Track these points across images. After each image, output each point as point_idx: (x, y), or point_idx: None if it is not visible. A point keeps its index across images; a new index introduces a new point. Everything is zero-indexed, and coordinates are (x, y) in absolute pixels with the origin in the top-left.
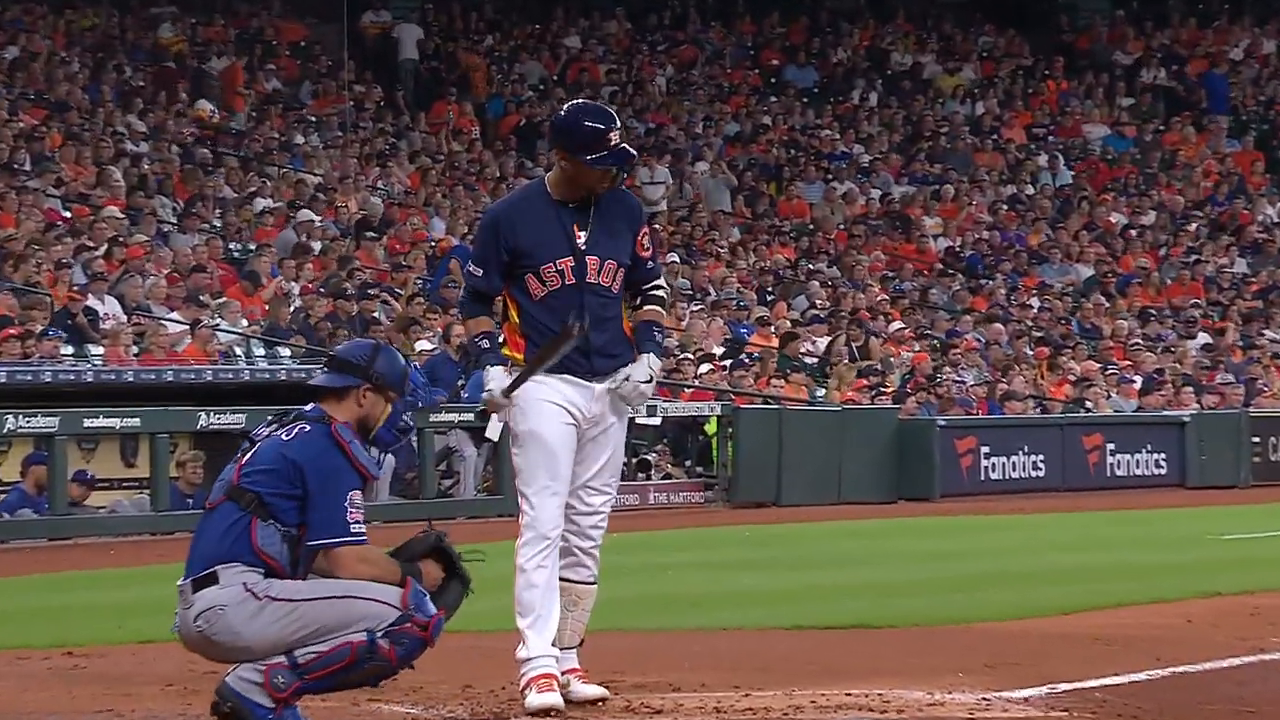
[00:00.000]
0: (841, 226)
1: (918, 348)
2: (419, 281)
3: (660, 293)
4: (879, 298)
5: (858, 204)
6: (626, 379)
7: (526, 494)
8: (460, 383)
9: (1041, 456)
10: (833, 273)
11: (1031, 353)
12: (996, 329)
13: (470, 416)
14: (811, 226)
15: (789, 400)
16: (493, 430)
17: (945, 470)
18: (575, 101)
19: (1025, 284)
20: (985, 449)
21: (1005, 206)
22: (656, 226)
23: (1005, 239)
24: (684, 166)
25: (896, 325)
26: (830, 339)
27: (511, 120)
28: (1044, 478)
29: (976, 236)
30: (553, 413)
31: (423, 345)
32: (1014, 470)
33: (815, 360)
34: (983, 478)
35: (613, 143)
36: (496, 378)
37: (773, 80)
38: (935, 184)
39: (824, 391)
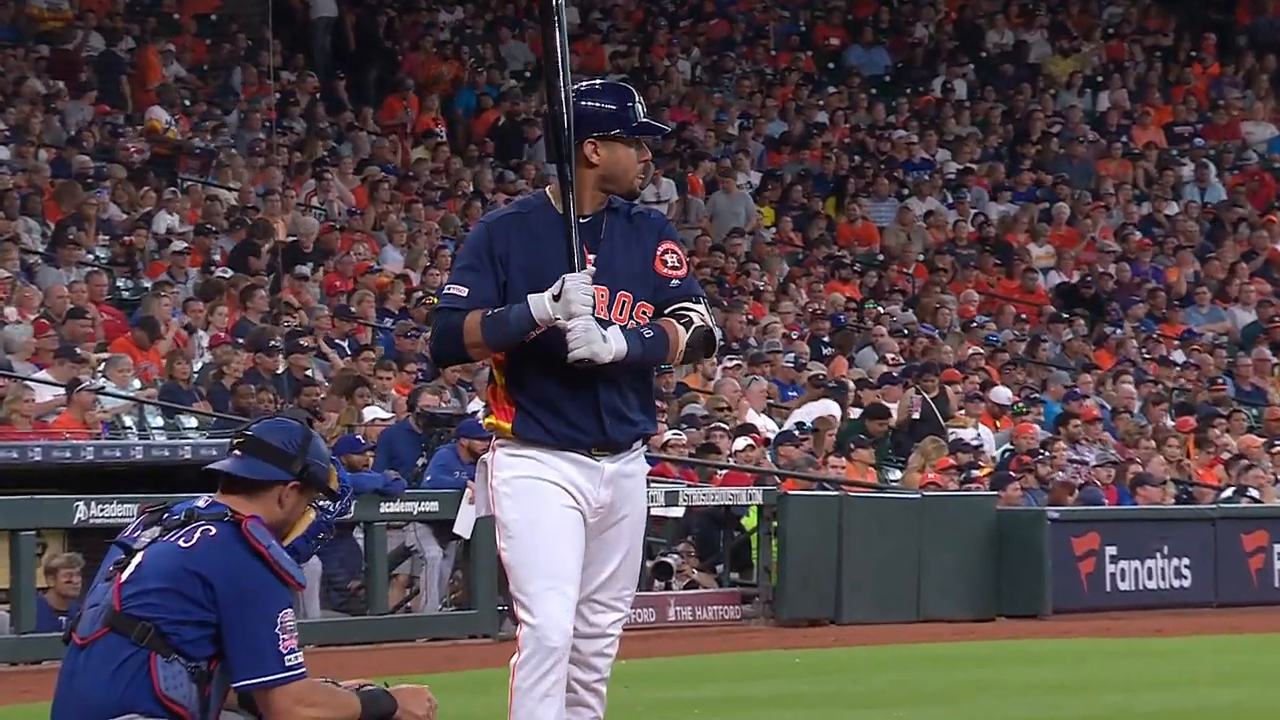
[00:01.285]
0: (921, 257)
1: (1022, 416)
2: (368, 329)
3: (694, 315)
4: (971, 350)
5: (943, 227)
6: (586, 325)
7: (523, 597)
8: (421, 461)
9: (1186, 560)
10: (909, 317)
11: (1173, 423)
12: (1127, 392)
13: (433, 506)
14: (881, 257)
15: (852, 485)
16: (464, 524)
17: (1059, 578)
18: (587, 84)
19: (1165, 332)
20: (1111, 550)
21: (1138, 231)
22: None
23: (1138, 273)
24: (716, 177)
25: (995, 387)
26: (906, 405)
27: (488, 118)
28: (1190, 589)
29: (1100, 270)
30: (552, 493)
31: (374, 413)
32: (1150, 579)
33: (887, 432)
34: (1108, 588)
35: (641, 109)
36: (551, 294)
37: (831, 66)
38: (1045, 201)
39: (898, 474)
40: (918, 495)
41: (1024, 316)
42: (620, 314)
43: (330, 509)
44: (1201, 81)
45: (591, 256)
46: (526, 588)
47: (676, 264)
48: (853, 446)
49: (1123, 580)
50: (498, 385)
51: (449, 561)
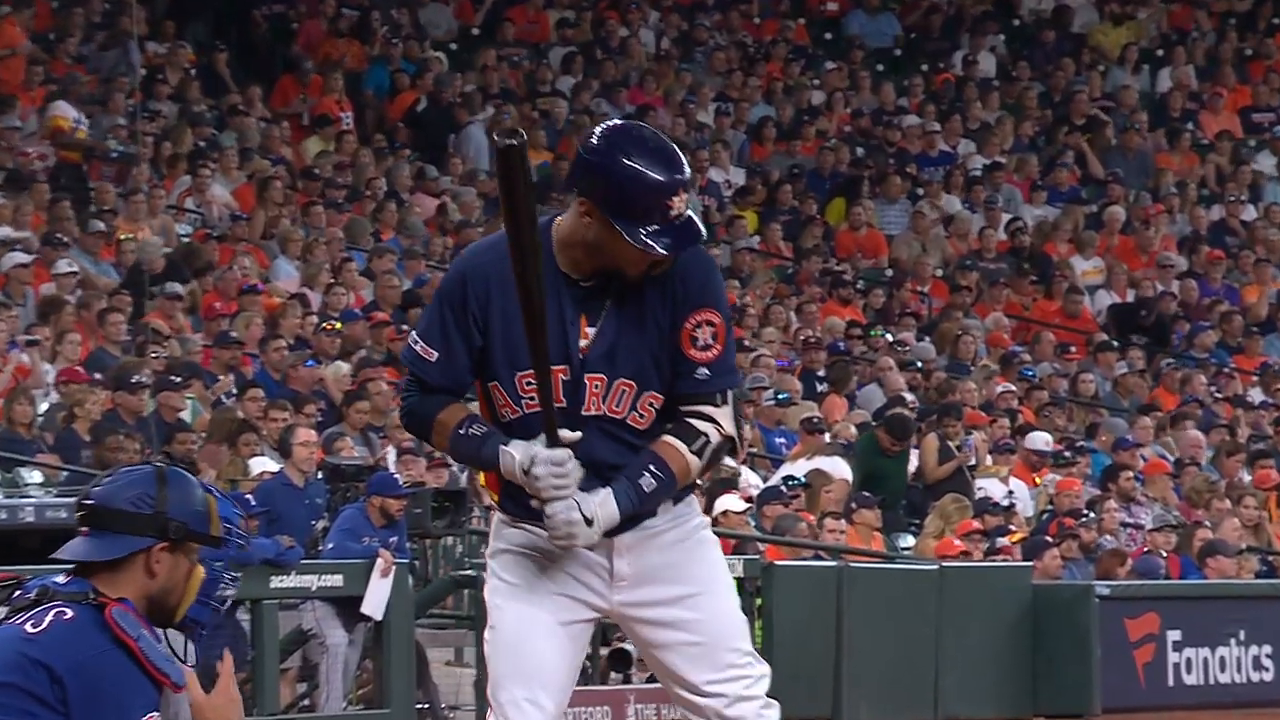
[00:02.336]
0: (939, 273)
1: (1064, 470)
2: (255, 360)
3: (704, 425)
4: (1001, 388)
5: (966, 236)
6: (565, 507)
7: (493, 703)
8: (318, 524)
9: (1268, 649)
10: (924, 347)
11: (1250, 478)
12: (1193, 439)
13: (336, 580)
14: (890, 272)
15: (854, 554)
16: (374, 602)
17: (1111, 668)
18: (623, 125)
19: (1240, 365)
20: (1174, 635)
21: (1207, 241)
22: None
23: (1208, 293)
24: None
25: (1033, 433)
26: (921, 455)
27: (405, 100)
28: (1273, 683)
29: (1161, 289)
30: (544, 578)
31: (261, 464)
32: (1223, 671)
33: (902, 480)
34: (1171, 681)
35: (673, 211)
36: (520, 449)
37: (827, 36)
38: (1093, 204)
39: (911, 540)
40: (935, 566)
41: (1067, 346)
42: (616, 406)
43: (218, 566)
44: None
45: (589, 331)
46: (498, 694)
47: (710, 342)
48: (854, 505)
49: (1189, 673)
50: None
51: (356, 649)
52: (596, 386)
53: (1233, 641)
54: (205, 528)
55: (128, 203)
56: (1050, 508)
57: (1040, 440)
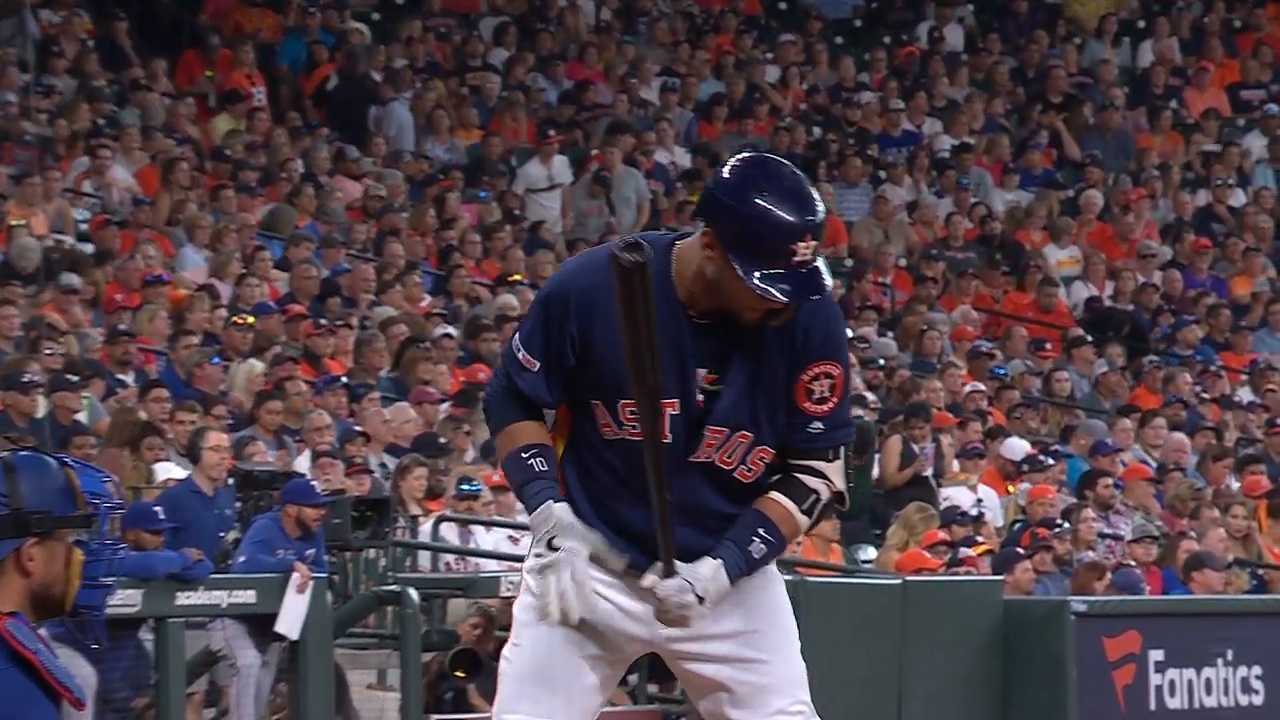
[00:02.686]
0: (902, 262)
1: (1037, 476)
2: (160, 358)
3: (815, 482)
4: (969, 387)
5: (932, 223)
6: (669, 576)
7: None
8: (229, 535)
9: (1257, 669)
10: (887, 343)
11: (1238, 484)
12: (1177, 442)
13: (248, 596)
14: (850, 262)
15: (810, 567)
16: (289, 620)
17: (1088, 691)
18: (760, 159)
19: (1228, 363)
20: (1157, 655)
21: (1192, 229)
22: None
23: (1193, 285)
24: (635, 155)
25: (1001, 437)
26: (882, 458)
27: (322, 74)
28: (1263, 707)
29: (1142, 280)
30: (578, 605)
31: (166, 470)
32: (1209, 693)
33: (865, 486)
34: (1153, 705)
35: (798, 257)
36: (565, 523)
37: (782, 6)
38: (1068, 188)
39: (872, 551)
40: (898, 580)
41: (1041, 342)
42: (729, 457)
43: (94, 544)
44: (1277, 27)
45: (707, 374)
46: (503, 716)
47: (826, 395)
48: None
49: (1172, 695)
50: (559, 437)
51: (269, 671)
52: (714, 439)
53: (1220, 662)
54: (70, 508)
55: (20, 186)
56: (1022, 517)
57: (1012, 446)
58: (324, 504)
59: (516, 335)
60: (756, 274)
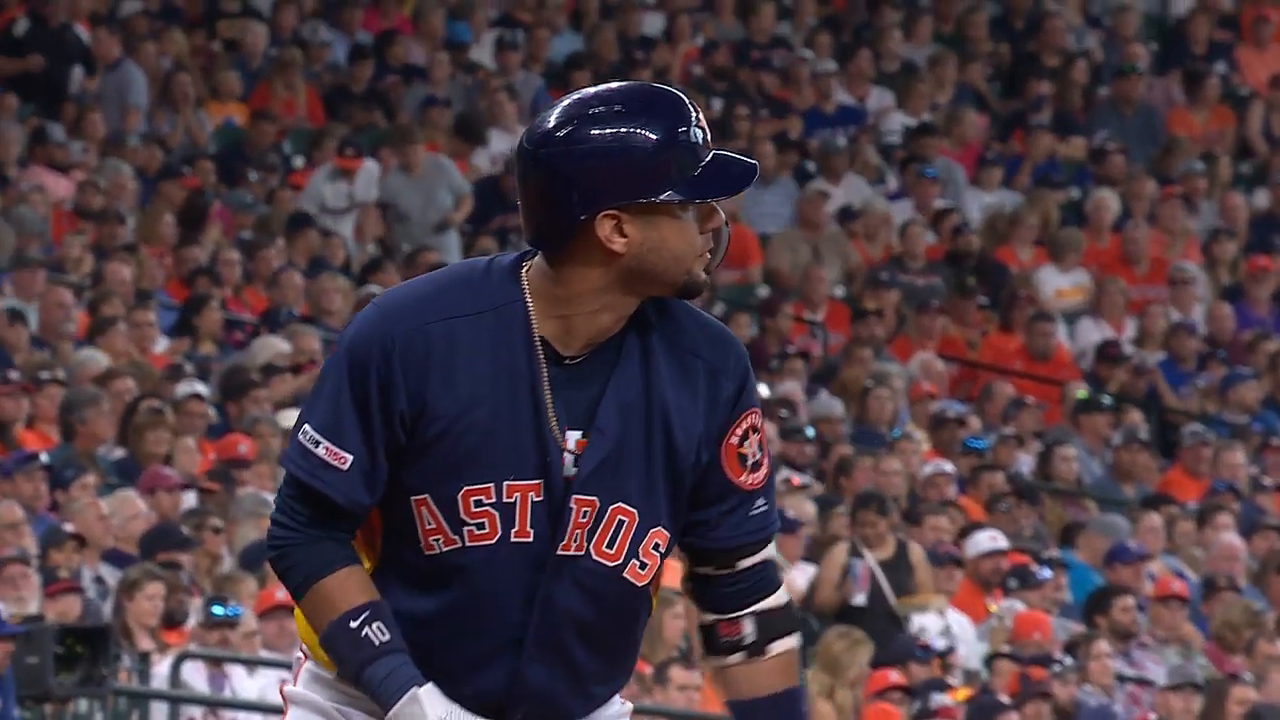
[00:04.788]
0: (839, 291)
1: (1028, 593)
2: None
3: (780, 598)
4: (931, 467)
5: (880, 234)
6: None
7: None
8: None
9: None
10: (819, 404)
11: None
12: (1227, 546)
13: None
14: (766, 290)
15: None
16: None
17: None
18: (561, 102)
19: None
20: None
21: (1248, 243)
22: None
23: (1249, 323)
24: (457, 141)
25: (977, 534)
26: (835, 569)
27: (5, 17)
28: None
29: (1176, 318)
30: None
31: None
32: None
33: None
34: None
35: (704, 134)
36: (435, 707)
37: None
38: (1073, 186)
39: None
40: None
41: (1034, 402)
42: (609, 547)
43: None
44: None
45: (572, 436)
46: None
47: (758, 457)
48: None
49: None
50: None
51: None
52: (584, 514)
53: None
54: None
55: None
56: (1007, 650)
57: (987, 540)
58: (13, 635)
59: (307, 424)
60: (682, 187)
